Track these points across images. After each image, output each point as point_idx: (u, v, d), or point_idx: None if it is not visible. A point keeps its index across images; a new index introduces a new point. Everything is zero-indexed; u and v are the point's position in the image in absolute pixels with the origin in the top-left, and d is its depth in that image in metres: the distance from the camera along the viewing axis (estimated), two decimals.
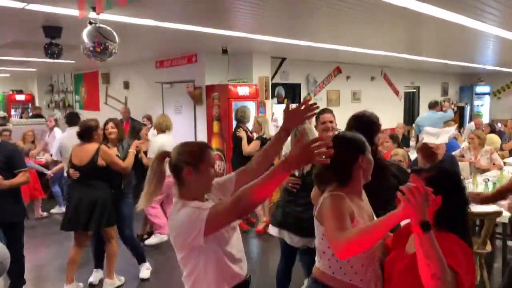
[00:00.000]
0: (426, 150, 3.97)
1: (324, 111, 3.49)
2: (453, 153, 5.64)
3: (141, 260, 4.35)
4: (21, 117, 11.19)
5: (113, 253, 4.10)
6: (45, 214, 6.50)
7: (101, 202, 3.92)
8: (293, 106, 1.98)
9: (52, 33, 4.44)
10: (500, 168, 5.37)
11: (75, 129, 5.52)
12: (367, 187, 1.92)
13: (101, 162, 3.92)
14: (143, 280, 4.27)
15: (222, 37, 5.20)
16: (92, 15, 3.44)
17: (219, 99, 6.51)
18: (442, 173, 1.71)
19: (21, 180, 3.63)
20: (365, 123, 2.44)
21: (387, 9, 3.84)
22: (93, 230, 4.06)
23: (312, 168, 2.78)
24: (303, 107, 1.87)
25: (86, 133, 3.99)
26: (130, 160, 4.10)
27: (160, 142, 4.91)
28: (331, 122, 3.41)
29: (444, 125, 7.96)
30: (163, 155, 1.91)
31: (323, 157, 1.61)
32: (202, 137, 6.97)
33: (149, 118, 7.04)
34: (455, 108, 13.22)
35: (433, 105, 8.28)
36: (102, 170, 3.94)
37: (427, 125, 8.03)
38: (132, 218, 4.29)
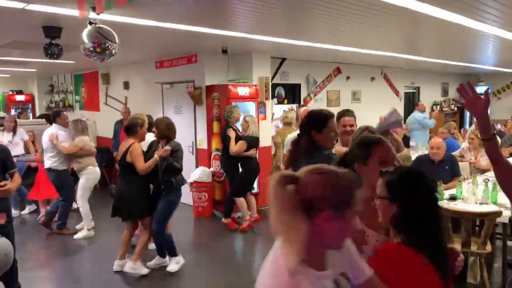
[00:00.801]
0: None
1: (345, 113, 3.54)
2: (453, 153, 5.65)
3: (171, 253, 4.50)
4: (18, 117, 11.16)
5: (143, 241, 4.41)
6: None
7: (131, 195, 4.24)
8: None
9: (52, 33, 4.44)
10: None
11: (58, 127, 5.78)
12: None
13: (129, 158, 4.21)
14: (170, 273, 4.41)
15: (222, 37, 5.20)
16: (92, 15, 3.44)
17: (219, 99, 6.51)
18: (403, 175, 1.63)
19: (19, 181, 3.71)
20: (310, 117, 2.76)
21: (387, 9, 3.84)
22: (124, 220, 4.45)
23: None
24: None
25: (131, 128, 4.33)
26: (148, 164, 4.21)
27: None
28: (351, 125, 3.47)
29: (424, 127, 8.56)
30: (285, 178, 1.21)
31: None
32: (202, 137, 6.97)
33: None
34: (455, 108, 13.22)
35: (415, 105, 9.30)
36: (131, 165, 4.20)
37: (409, 123, 8.55)
38: (166, 215, 4.38)
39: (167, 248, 4.50)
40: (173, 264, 4.46)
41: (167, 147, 4.22)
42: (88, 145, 5.80)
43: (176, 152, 4.27)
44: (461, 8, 3.83)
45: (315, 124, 2.65)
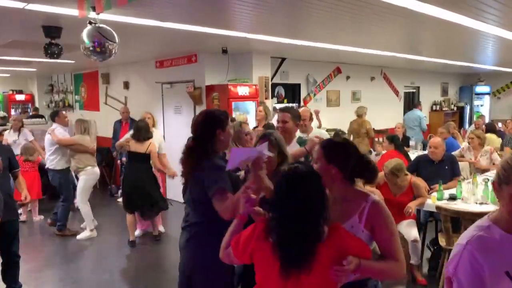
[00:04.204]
0: None
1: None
2: (453, 153, 5.65)
3: None
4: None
5: None
6: (41, 217, 6.43)
7: None
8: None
9: (52, 33, 4.44)
10: None
11: (55, 125, 5.88)
12: None
13: None
14: None
15: (222, 37, 5.21)
16: (92, 15, 3.44)
17: (219, 99, 6.51)
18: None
19: (25, 181, 3.85)
20: (214, 116, 2.64)
21: (387, 9, 3.84)
22: None
23: None
24: None
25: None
26: None
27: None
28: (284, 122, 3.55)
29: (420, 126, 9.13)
30: None
31: None
32: None
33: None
34: (455, 108, 13.22)
35: (417, 104, 9.97)
36: None
37: (411, 120, 9.02)
38: None
39: None
40: None
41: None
42: (86, 142, 5.70)
43: None
44: (461, 8, 3.83)
45: (221, 123, 2.55)
